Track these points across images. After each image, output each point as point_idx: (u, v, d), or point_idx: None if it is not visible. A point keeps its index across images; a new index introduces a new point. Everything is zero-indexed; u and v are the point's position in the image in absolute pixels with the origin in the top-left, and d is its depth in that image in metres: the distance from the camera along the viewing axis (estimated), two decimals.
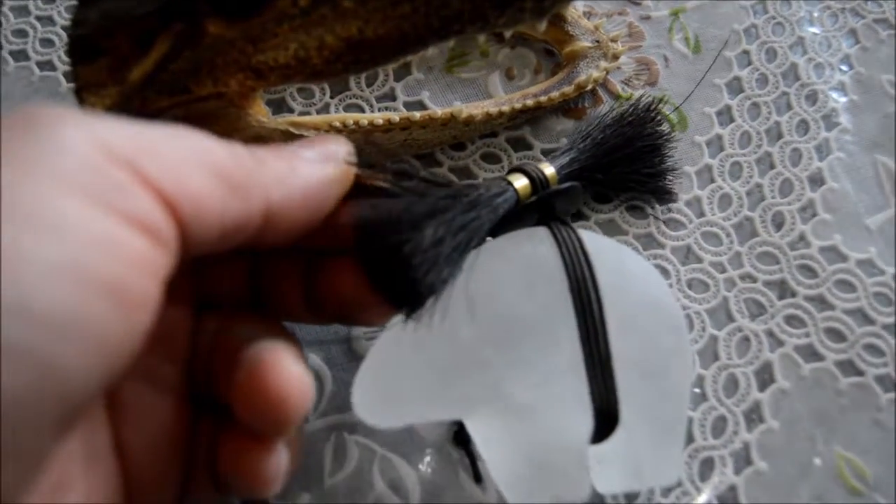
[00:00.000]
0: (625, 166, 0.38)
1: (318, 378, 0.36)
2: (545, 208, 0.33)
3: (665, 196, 0.40)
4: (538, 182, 0.33)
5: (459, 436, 0.34)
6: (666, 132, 0.39)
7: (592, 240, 0.32)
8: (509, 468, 0.30)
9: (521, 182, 0.33)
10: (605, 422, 0.30)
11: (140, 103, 0.32)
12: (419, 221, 0.27)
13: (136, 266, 0.20)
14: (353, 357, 0.37)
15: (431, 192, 0.28)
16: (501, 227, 0.32)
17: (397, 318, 0.29)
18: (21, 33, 0.47)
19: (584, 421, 0.29)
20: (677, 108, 0.43)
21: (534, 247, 0.31)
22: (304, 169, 0.26)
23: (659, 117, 0.39)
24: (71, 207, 0.19)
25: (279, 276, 0.30)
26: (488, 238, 0.32)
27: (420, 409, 0.30)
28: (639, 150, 0.38)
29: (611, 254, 0.32)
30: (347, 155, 0.28)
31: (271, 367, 0.24)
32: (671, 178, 0.40)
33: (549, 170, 0.34)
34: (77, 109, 0.21)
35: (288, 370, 0.24)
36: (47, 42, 0.47)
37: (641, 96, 0.39)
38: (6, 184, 0.18)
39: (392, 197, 0.28)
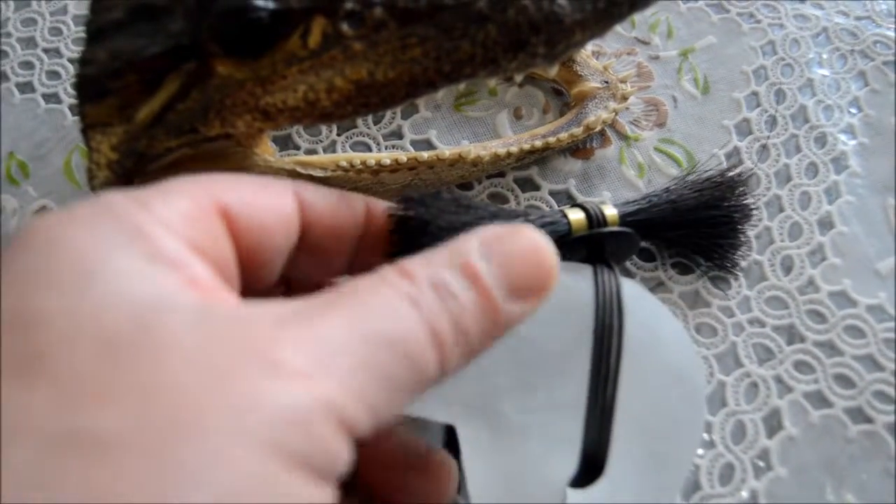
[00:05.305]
0: (693, 230, 0.37)
1: None
2: (595, 247, 0.33)
3: (727, 268, 0.39)
4: (595, 220, 0.33)
5: (452, 442, 0.33)
6: (749, 207, 0.38)
7: (635, 293, 0.31)
8: (485, 483, 0.29)
9: (577, 216, 0.32)
10: (589, 468, 0.29)
11: (147, 143, 0.32)
12: (452, 221, 0.28)
13: None
14: None
15: (475, 207, 0.30)
16: None
17: None
18: (27, 65, 0.47)
19: (569, 461, 0.29)
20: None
21: (572, 280, 0.31)
22: (502, 324, 0.23)
23: (745, 191, 0.38)
24: (284, 478, 0.18)
25: None
26: None
27: (416, 404, 0.29)
28: (714, 218, 0.37)
29: (649, 311, 0.31)
30: (553, 273, 0.25)
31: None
32: (740, 253, 0.39)
33: (609, 210, 0.33)
34: (300, 343, 0.19)
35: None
36: (54, 74, 0.47)
37: (732, 165, 0.38)
38: (211, 449, 0.17)
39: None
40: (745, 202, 0.38)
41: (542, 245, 0.24)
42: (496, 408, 0.29)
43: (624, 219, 0.34)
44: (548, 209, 0.32)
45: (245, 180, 0.25)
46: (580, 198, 0.42)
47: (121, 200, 0.21)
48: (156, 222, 0.21)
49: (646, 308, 0.32)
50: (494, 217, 0.30)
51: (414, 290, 0.22)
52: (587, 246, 0.33)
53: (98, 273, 0.19)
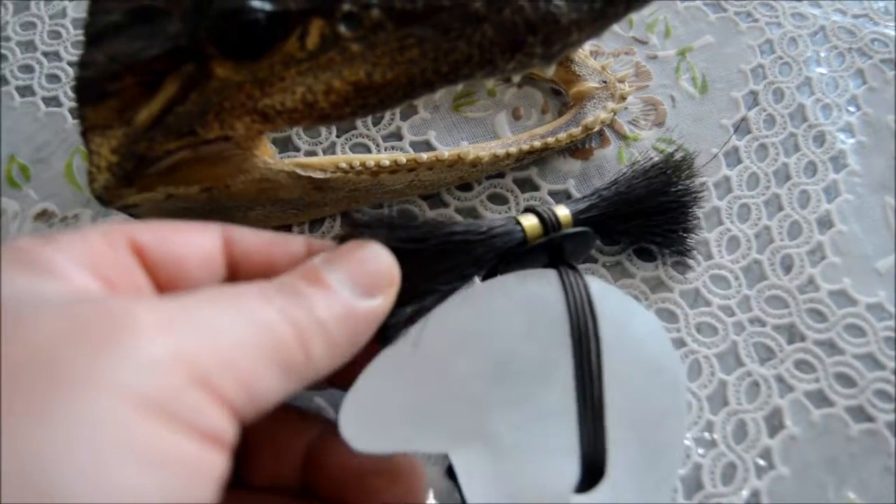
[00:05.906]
0: (646, 219, 0.37)
1: None
2: (555, 251, 0.33)
3: (681, 254, 0.39)
4: (549, 223, 0.33)
5: (452, 470, 0.33)
6: (696, 190, 0.38)
7: (601, 290, 0.31)
8: None
9: (530, 221, 0.33)
10: (591, 471, 0.29)
11: (146, 145, 0.32)
12: (401, 239, 0.28)
13: (212, 482, 0.20)
14: None
15: (423, 224, 0.29)
16: (508, 265, 0.32)
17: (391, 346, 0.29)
18: (27, 69, 0.47)
19: (570, 467, 0.29)
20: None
21: (540, 288, 0.31)
22: (360, 318, 0.25)
23: (692, 173, 0.38)
24: (151, 429, 0.19)
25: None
26: (496, 274, 0.32)
27: (406, 439, 0.29)
28: (664, 204, 0.37)
29: (618, 306, 0.31)
30: (392, 270, 0.27)
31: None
32: (692, 236, 0.39)
33: (562, 211, 0.34)
34: (156, 308, 0.21)
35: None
36: (53, 78, 0.47)
37: (675, 150, 0.39)
38: (84, 401, 0.18)
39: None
40: (692, 184, 0.38)
41: (375, 247, 0.27)
42: (486, 429, 0.29)
43: (577, 217, 0.34)
44: (502, 219, 0.32)
45: (166, 224, 0.26)
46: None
47: (28, 240, 0.23)
48: (56, 252, 0.22)
49: (614, 303, 0.31)
50: (445, 233, 0.30)
51: (264, 291, 0.24)
52: (546, 251, 0.33)
53: None
